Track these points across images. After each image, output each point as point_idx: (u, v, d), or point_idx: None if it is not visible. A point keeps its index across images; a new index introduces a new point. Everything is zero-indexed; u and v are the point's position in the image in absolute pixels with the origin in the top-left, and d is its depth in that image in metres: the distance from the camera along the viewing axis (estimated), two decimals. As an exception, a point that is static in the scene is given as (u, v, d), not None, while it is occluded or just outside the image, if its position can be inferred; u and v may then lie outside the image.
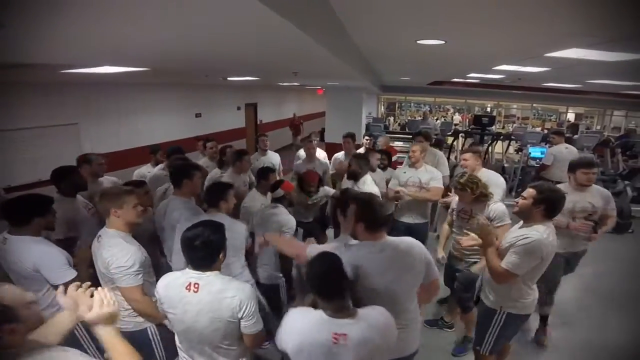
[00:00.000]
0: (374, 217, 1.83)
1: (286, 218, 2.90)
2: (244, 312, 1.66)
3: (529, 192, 2.20)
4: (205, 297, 1.64)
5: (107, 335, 1.33)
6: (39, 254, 2.08)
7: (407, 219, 3.82)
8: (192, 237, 1.65)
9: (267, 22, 1.44)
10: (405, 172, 3.88)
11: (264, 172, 3.35)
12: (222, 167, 4.28)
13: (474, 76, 7.34)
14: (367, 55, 4.16)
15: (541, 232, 2.10)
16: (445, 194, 3.82)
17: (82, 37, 1.75)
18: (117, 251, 2.01)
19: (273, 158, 4.95)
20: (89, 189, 3.13)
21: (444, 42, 2.69)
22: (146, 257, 2.15)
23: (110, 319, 1.34)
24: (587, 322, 3.42)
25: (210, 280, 1.68)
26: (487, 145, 8.64)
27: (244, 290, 1.70)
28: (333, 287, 1.52)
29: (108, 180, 3.71)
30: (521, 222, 2.30)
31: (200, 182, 3.08)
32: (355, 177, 3.53)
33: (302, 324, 1.54)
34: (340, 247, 1.86)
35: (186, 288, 1.66)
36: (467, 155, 3.46)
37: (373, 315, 1.57)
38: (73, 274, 2.11)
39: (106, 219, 2.14)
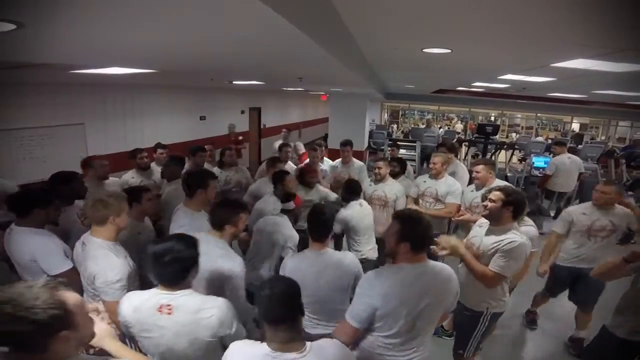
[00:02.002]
0: (420, 235, 1.72)
1: (291, 233, 2.82)
2: (225, 329, 1.59)
3: (496, 194, 2.31)
4: (181, 318, 1.54)
5: (117, 347, 1.38)
6: (37, 244, 2.14)
7: None
8: (161, 252, 1.53)
9: (275, 27, 1.45)
10: (425, 182, 3.87)
11: (281, 176, 3.27)
12: (223, 168, 4.27)
13: (479, 85, 7.35)
14: (373, 62, 4.17)
15: (519, 236, 2.23)
16: (458, 209, 3.69)
17: (96, 38, 1.77)
18: (104, 265, 1.93)
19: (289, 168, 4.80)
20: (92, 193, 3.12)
21: (449, 51, 2.70)
22: (132, 267, 2.09)
23: (110, 332, 1.37)
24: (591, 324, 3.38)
25: (183, 300, 1.56)
26: (490, 154, 8.64)
27: (221, 307, 1.60)
28: (280, 312, 1.36)
29: (114, 182, 3.70)
30: (486, 225, 2.40)
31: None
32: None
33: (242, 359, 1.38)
34: (371, 279, 1.75)
35: (158, 310, 1.54)
36: (480, 168, 3.42)
37: (327, 350, 1.39)
38: (69, 265, 2.16)
39: (94, 225, 2.05)
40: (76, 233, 2.55)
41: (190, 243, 1.61)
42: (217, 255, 2.07)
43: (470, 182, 4.17)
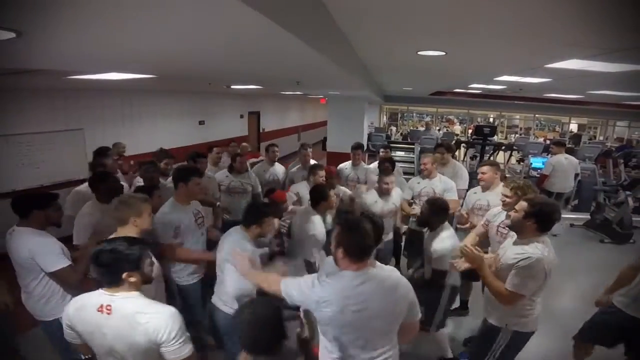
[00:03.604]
0: (355, 242, 1.61)
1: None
2: (161, 338, 1.51)
3: (521, 204, 2.17)
4: (119, 321, 1.51)
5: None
6: (35, 242, 2.20)
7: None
8: (102, 250, 1.53)
9: (269, 34, 1.47)
10: (419, 183, 3.90)
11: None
12: (232, 173, 4.29)
13: (476, 87, 7.39)
14: (369, 65, 4.20)
15: (540, 250, 2.05)
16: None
17: (93, 45, 1.79)
18: None
19: (278, 170, 4.79)
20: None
21: (444, 53, 2.73)
22: (158, 267, 2.14)
23: None
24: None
25: (123, 302, 1.53)
26: (488, 155, 8.66)
27: (161, 315, 1.53)
28: (262, 340, 1.31)
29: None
30: (515, 236, 2.26)
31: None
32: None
33: None
34: (315, 281, 1.67)
35: (98, 310, 1.52)
36: (485, 169, 3.37)
37: None
38: (66, 262, 2.23)
39: (118, 227, 2.13)
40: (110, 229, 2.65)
41: (134, 245, 1.59)
42: (232, 241, 2.33)
43: (471, 184, 4.20)
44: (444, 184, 3.78)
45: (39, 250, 2.19)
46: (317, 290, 1.59)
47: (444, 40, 2.39)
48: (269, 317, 1.34)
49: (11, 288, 2.36)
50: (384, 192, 3.57)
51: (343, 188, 4.08)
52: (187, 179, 2.74)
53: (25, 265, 2.23)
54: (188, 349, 1.58)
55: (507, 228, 2.68)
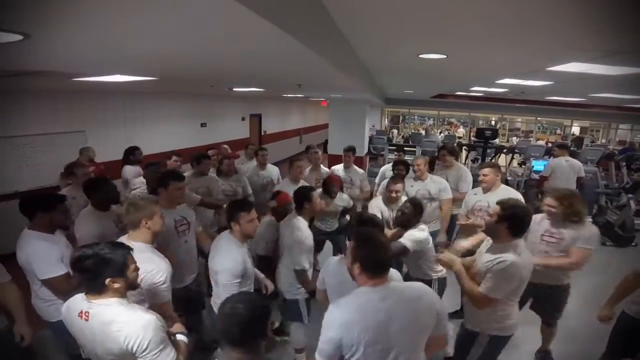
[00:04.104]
0: (371, 256, 1.54)
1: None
2: (133, 347, 1.47)
3: (494, 209, 2.17)
4: (96, 327, 1.50)
5: None
6: (33, 247, 2.19)
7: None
8: (75, 259, 1.49)
9: (270, 37, 1.48)
10: (412, 186, 3.90)
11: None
12: (220, 176, 4.28)
13: (478, 89, 7.39)
14: (370, 68, 4.21)
15: (514, 254, 2.04)
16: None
17: (99, 47, 1.81)
18: (151, 267, 1.96)
19: (272, 172, 4.81)
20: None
21: (445, 56, 2.74)
22: (171, 270, 2.13)
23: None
24: (589, 335, 3.37)
25: (100, 309, 1.51)
26: (490, 158, 8.66)
27: (133, 324, 1.49)
28: (238, 334, 1.29)
29: None
30: (491, 241, 2.25)
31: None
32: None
33: None
34: (330, 309, 1.58)
35: (78, 315, 1.53)
36: (486, 171, 3.39)
37: None
38: (59, 271, 2.18)
39: (130, 230, 2.11)
40: (110, 237, 2.55)
41: (119, 248, 1.57)
42: (217, 249, 2.34)
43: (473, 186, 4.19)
44: (438, 184, 3.83)
45: (35, 256, 2.18)
46: (337, 316, 1.51)
47: (445, 44, 2.40)
48: (252, 315, 1.32)
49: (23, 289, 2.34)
50: (391, 201, 3.43)
51: (345, 196, 4.10)
52: (166, 184, 2.65)
53: (27, 268, 2.23)
54: (169, 358, 1.55)
55: (553, 236, 2.70)
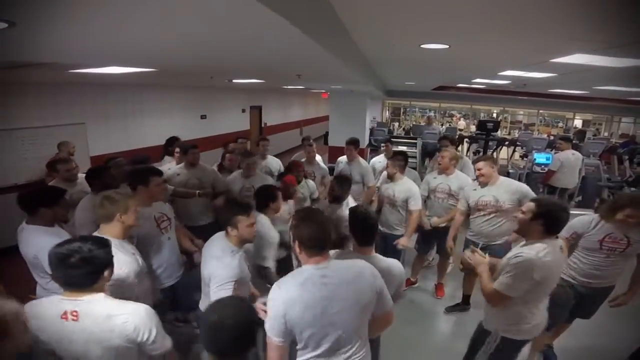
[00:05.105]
0: (309, 234, 1.56)
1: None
2: (142, 336, 1.48)
3: (528, 205, 2.07)
4: (90, 325, 1.43)
5: None
6: (41, 242, 2.15)
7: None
8: (67, 253, 1.41)
9: (272, 26, 1.46)
10: (435, 178, 3.81)
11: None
12: (222, 172, 4.17)
13: (480, 81, 7.33)
14: (371, 59, 4.17)
15: (536, 251, 1.94)
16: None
17: (90, 37, 1.78)
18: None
19: (273, 163, 4.76)
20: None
21: (447, 46, 2.70)
22: (141, 264, 2.10)
23: None
24: (588, 329, 3.38)
25: (90, 306, 1.44)
26: (491, 151, 8.61)
27: (138, 313, 1.49)
28: (228, 344, 1.25)
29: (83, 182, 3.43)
30: (524, 241, 2.15)
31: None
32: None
33: None
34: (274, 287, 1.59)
35: (62, 317, 1.42)
36: (481, 164, 3.24)
37: None
38: None
39: (102, 224, 2.05)
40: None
41: (101, 243, 1.52)
42: (211, 254, 2.14)
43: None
44: (460, 182, 3.65)
45: (44, 251, 2.13)
46: (280, 294, 1.51)
47: (447, 34, 2.36)
48: (241, 322, 1.27)
49: (22, 282, 2.35)
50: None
51: (311, 183, 4.09)
52: (146, 181, 2.56)
53: (33, 264, 2.24)
54: (169, 343, 1.61)
55: (617, 241, 2.51)
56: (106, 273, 1.51)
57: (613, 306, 2.75)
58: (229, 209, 2.17)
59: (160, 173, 2.72)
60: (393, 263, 2.02)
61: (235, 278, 2.06)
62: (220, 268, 2.06)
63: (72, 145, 4.86)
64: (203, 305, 2.27)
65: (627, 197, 2.63)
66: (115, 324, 1.44)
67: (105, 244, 1.53)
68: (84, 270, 1.43)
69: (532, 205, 2.05)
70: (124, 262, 1.95)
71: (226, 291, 2.03)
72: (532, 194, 3.06)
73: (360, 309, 1.57)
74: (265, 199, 2.77)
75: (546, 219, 1.98)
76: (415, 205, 3.54)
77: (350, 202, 3.31)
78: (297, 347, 1.56)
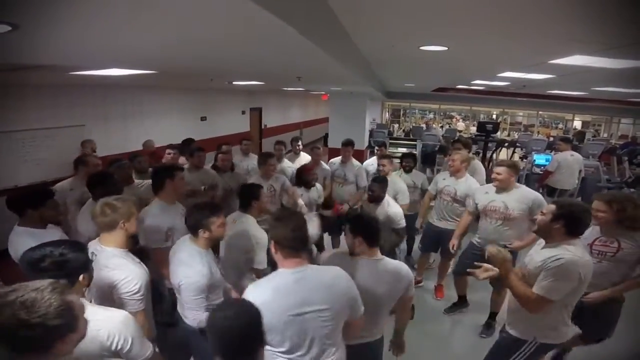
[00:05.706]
0: (284, 235, 1.53)
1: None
2: (117, 344, 1.41)
3: (549, 207, 2.03)
4: None
5: None
6: (21, 245, 2.04)
7: (440, 223, 3.78)
8: (38, 257, 1.35)
9: (270, 28, 1.46)
10: (444, 179, 3.78)
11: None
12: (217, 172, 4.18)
13: (479, 83, 7.34)
14: (370, 60, 4.17)
15: (573, 251, 1.89)
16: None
17: (92, 39, 1.78)
18: (124, 275, 1.82)
19: (287, 168, 4.59)
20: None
21: (446, 48, 2.70)
22: (148, 274, 2.00)
23: None
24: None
25: None
26: (491, 152, 8.62)
27: (112, 321, 1.42)
28: (238, 347, 1.22)
29: None
30: (543, 242, 2.11)
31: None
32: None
33: None
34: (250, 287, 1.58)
35: None
36: (501, 169, 3.07)
37: None
38: None
39: (103, 233, 1.94)
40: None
41: (76, 247, 1.45)
42: (179, 261, 2.06)
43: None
44: (467, 188, 3.54)
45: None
46: (253, 297, 1.44)
47: (445, 35, 2.36)
48: (249, 323, 1.25)
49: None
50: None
51: (320, 187, 4.14)
52: (172, 175, 2.62)
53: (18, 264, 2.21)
54: (148, 351, 1.53)
55: (607, 244, 2.43)
56: (82, 278, 1.44)
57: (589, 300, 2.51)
58: (201, 212, 2.07)
59: (181, 168, 2.87)
60: (400, 265, 2.02)
61: (207, 284, 2.01)
62: (190, 274, 1.99)
63: (94, 142, 5.12)
64: (181, 308, 2.17)
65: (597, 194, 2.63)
66: (90, 330, 1.36)
67: (80, 248, 1.46)
68: (56, 274, 1.30)
69: (552, 206, 2.02)
70: (137, 274, 1.86)
71: (199, 300, 1.99)
72: (541, 203, 2.98)
73: (334, 315, 1.56)
74: (248, 197, 2.72)
75: (567, 220, 1.95)
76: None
77: (391, 201, 3.37)
78: (269, 349, 1.53)
